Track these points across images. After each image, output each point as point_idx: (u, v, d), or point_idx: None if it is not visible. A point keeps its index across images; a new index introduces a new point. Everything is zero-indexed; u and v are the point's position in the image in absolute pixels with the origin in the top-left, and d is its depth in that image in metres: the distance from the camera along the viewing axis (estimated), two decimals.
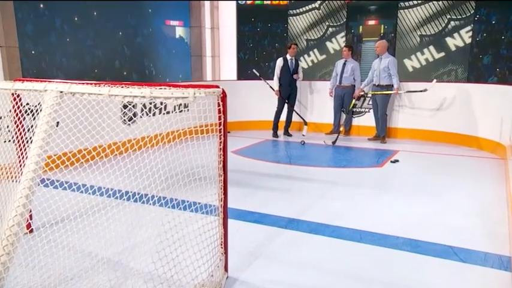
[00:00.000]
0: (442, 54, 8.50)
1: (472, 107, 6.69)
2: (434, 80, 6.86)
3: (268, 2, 9.98)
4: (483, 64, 8.15)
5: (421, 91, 6.87)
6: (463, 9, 8.21)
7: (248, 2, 10.04)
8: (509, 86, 5.95)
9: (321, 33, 9.58)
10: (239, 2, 10.00)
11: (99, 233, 2.61)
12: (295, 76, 7.63)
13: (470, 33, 8.18)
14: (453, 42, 8.37)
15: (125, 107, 5.66)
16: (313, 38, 9.69)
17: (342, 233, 3.34)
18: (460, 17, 8.24)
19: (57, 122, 2.33)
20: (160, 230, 2.33)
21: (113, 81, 2.57)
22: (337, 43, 9.49)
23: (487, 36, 8.04)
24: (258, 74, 7.83)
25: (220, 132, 2.43)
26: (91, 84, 2.30)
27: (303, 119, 7.74)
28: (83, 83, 2.31)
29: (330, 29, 9.49)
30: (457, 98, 6.93)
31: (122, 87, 2.24)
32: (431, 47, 8.58)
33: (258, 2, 9.99)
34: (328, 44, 9.59)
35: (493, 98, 6.32)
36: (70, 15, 7.05)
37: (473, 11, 8.10)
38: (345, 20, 9.32)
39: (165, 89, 2.19)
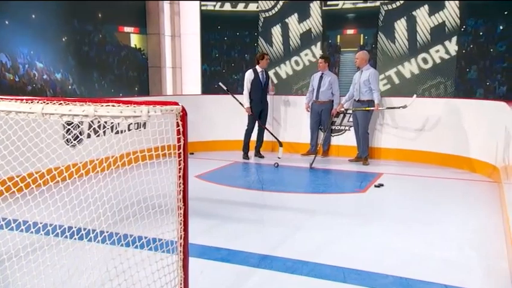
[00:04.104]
0: (427, 67, 8.75)
1: (462, 125, 6.84)
2: (414, 95, 6.98)
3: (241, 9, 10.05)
4: (470, 77, 8.43)
5: (401, 107, 6.97)
6: (449, 19, 8.51)
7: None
8: (500, 102, 6.13)
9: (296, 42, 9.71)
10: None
11: (28, 282, 2.37)
12: (270, 91, 7.64)
13: (456, 45, 8.48)
14: (438, 54, 8.64)
15: (69, 124, 5.44)
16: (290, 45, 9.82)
17: (323, 271, 3.25)
18: (445, 27, 8.53)
19: None
20: (106, 276, 2.15)
21: (54, 97, 2.43)
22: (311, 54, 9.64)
23: (474, 48, 8.34)
24: (225, 88, 7.76)
25: (179, 156, 2.32)
26: (21, 100, 2.15)
27: (278, 140, 7.69)
28: (12, 99, 2.15)
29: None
30: (445, 115, 7.08)
31: (60, 103, 2.11)
32: (415, 59, 8.82)
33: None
34: (302, 54, 9.73)
35: (484, 115, 6.49)
36: (1, 18, 6.79)
37: (459, 21, 8.41)
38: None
39: (113, 106, 2.07)
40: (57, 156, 2.37)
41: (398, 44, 8.91)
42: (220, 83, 7.91)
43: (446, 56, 8.58)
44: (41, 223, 2.50)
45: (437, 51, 8.65)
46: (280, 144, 7.64)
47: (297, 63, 9.76)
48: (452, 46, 8.52)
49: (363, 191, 5.66)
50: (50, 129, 2.29)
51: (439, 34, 8.60)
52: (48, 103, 2.12)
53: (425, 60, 8.75)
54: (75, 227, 2.40)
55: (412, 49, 8.84)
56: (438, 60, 8.67)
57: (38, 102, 2.13)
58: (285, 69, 9.86)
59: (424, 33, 8.69)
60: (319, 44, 9.61)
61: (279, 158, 7.51)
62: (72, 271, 2.47)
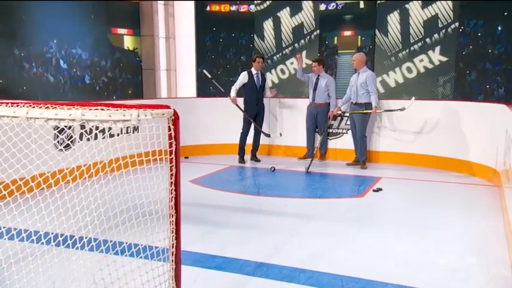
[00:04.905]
0: (425, 69, 8.72)
1: (461, 128, 6.81)
2: (413, 98, 6.95)
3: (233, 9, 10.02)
4: (469, 80, 8.41)
5: (399, 110, 6.94)
6: (447, 20, 8.49)
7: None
8: (500, 105, 6.10)
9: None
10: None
11: None
12: (269, 94, 7.63)
13: (455, 47, 8.46)
14: (437, 56, 8.61)
15: (56, 129, 5.37)
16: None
17: (320, 279, 3.20)
18: (444, 29, 8.51)
19: None
20: None
21: (44, 100, 2.37)
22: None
23: (473, 50, 8.32)
24: (209, 76, 7.64)
25: (171, 162, 2.26)
26: (6, 104, 2.09)
27: (266, 133, 7.65)
28: None
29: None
30: (444, 118, 7.05)
31: (47, 107, 2.06)
32: (413, 62, 8.79)
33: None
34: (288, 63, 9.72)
35: (483, 118, 6.47)
36: None
37: (457, 22, 8.39)
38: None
39: (102, 109, 2.02)
40: (43, 162, 2.30)
41: (392, 38, 8.88)
42: (204, 71, 7.81)
43: (445, 59, 8.56)
44: (25, 231, 2.44)
45: (435, 53, 8.63)
46: (268, 135, 7.63)
47: (282, 71, 9.70)
48: (450, 48, 8.50)
49: (361, 195, 5.61)
50: (36, 134, 2.22)
51: (432, 27, 8.56)
52: (34, 107, 2.07)
53: (423, 63, 8.72)
54: (61, 236, 2.33)
55: (405, 42, 8.79)
56: (437, 63, 8.64)
57: (23, 106, 2.08)
58: (270, 78, 9.83)
59: (418, 27, 8.66)
60: (304, 52, 9.59)
61: (280, 134, 7.51)
62: (58, 282, 2.40)
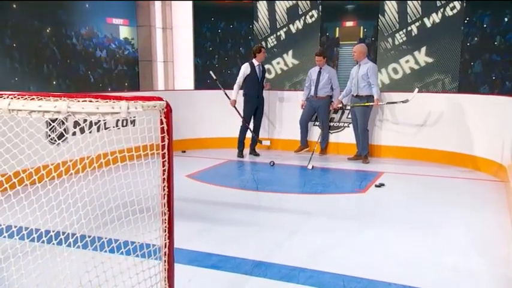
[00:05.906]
0: (429, 60, 8.61)
1: (465, 121, 6.73)
2: (416, 90, 6.88)
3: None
4: (474, 72, 8.30)
5: (402, 102, 6.86)
6: (453, 10, 8.36)
7: None
8: (507, 97, 6.02)
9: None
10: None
11: None
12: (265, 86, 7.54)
13: (460, 38, 8.33)
14: (441, 47, 8.50)
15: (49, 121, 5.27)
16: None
17: (321, 279, 3.12)
18: (449, 19, 8.38)
19: None
20: None
21: (36, 92, 2.29)
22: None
23: (478, 41, 8.21)
24: (215, 78, 7.52)
25: (163, 157, 2.18)
26: None
27: (256, 137, 7.58)
28: None
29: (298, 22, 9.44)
30: (449, 111, 6.96)
31: (33, 98, 1.98)
32: (417, 53, 8.68)
33: None
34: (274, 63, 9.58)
35: (489, 111, 6.39)
36: None
37: (463, 12, 8.26)
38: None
39: (90, 101, 1.94)
40: (27, 157, 2.21)
41: (389, 17, 8.73)
42: (211, 72, 7.69)
43: (450, 50, 8.45)
44: (7, 230, 2.35)
45: (439, 44, 8.51)
46: (260, 141, 7.55)
47: (268, 71, 9.53)
48: (455, 39, 8.38)
49: (363, 191, 5.54)
50: (18, 126, 2.13)
51: (441, 27, 8.44)
52: (19, 98, 1.99)
53: (427, 54, 8.61)
54: (46, 235, 2.24)
55: (402, 22, 8.64)
56: (441, 54, 8.53)
57: (6, 97, 2.00)
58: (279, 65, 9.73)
59: (415, 5, 8.54)
60: (291, 51, 9.47)
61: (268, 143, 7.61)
62: (43, 286, 2.31)
